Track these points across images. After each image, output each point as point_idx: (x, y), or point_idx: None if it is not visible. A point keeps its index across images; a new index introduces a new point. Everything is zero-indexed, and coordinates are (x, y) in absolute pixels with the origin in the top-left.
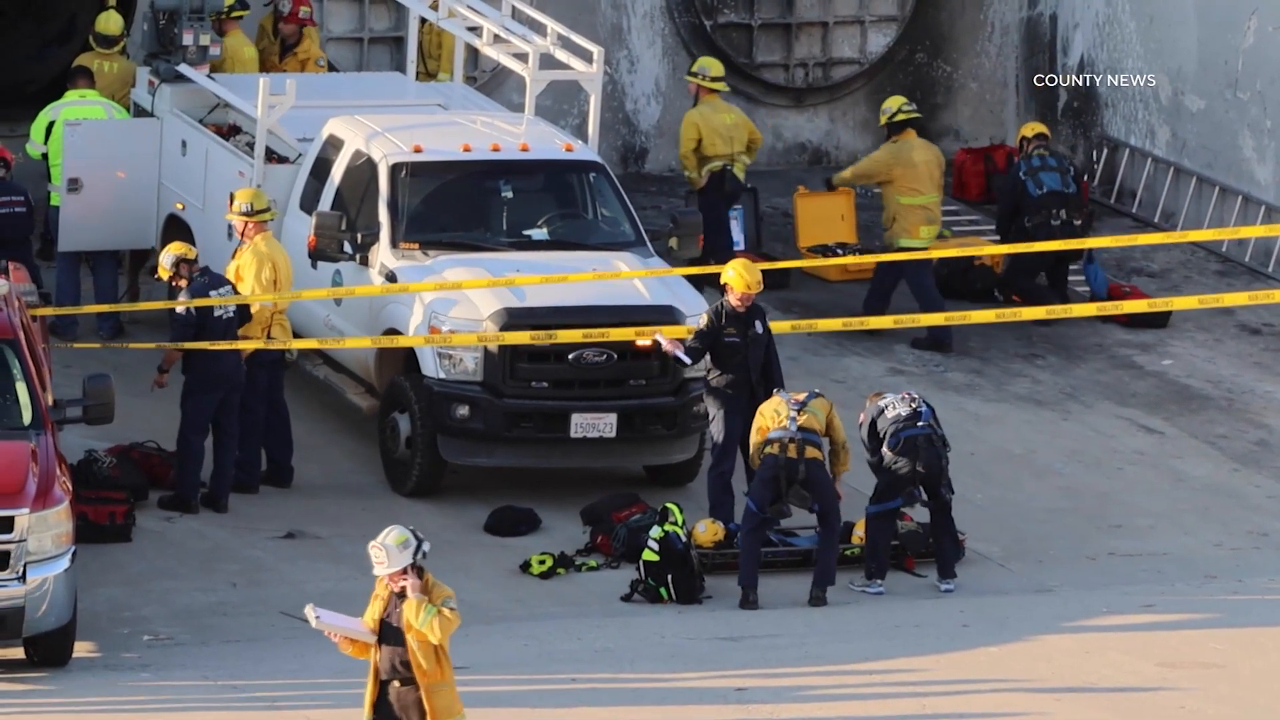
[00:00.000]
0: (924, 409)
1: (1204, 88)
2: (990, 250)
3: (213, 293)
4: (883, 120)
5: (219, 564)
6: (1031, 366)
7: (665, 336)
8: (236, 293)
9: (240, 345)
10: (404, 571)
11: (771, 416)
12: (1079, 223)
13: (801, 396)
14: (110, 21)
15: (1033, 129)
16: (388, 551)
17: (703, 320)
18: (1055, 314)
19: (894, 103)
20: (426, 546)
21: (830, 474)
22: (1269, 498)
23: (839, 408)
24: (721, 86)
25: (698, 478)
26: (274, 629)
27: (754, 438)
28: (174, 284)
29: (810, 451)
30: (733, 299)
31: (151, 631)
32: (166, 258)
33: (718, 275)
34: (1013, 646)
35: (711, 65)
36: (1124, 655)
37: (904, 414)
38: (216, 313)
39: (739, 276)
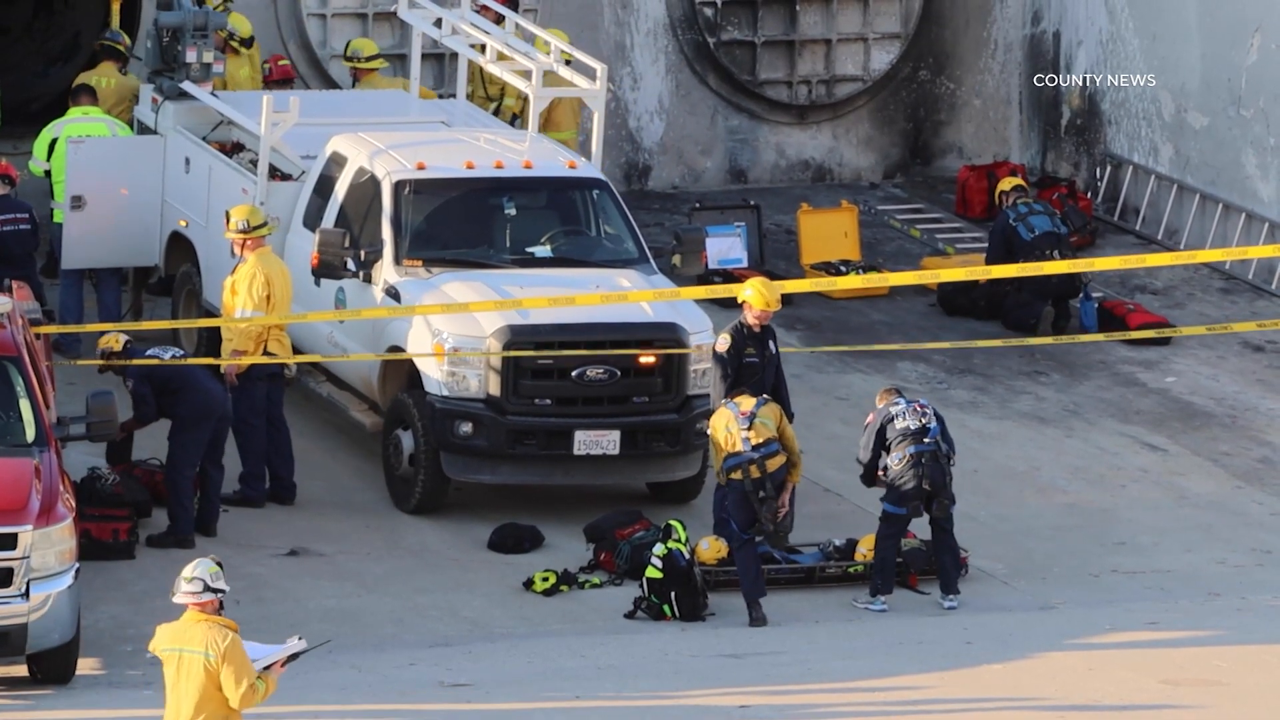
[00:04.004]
0: (933, 425)
1: (1207, 105)
2: (1002, 272)
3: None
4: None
5: None
6: (1035, 384)
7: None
8: (182, 347)
9: (236, 361)
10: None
11: (724, 435)
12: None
13: (748, 408)
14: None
15: (1009, 183)
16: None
17: (724, 343)
18: (1061, 341)
19: (368, 47)
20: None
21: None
22: (1272, 514)
23: (842, 425)
24: (380, 64)
25: (701, 495)
26: None
27: (713, 449)
28: (117, 373)
29: (771, 464)
30: (750, 317)
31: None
32: (99, 354)
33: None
34: (1016, 664)
35: (365, 45)
36: (1128, 672)
37: (913, 428)
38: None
39: (758, 294)
